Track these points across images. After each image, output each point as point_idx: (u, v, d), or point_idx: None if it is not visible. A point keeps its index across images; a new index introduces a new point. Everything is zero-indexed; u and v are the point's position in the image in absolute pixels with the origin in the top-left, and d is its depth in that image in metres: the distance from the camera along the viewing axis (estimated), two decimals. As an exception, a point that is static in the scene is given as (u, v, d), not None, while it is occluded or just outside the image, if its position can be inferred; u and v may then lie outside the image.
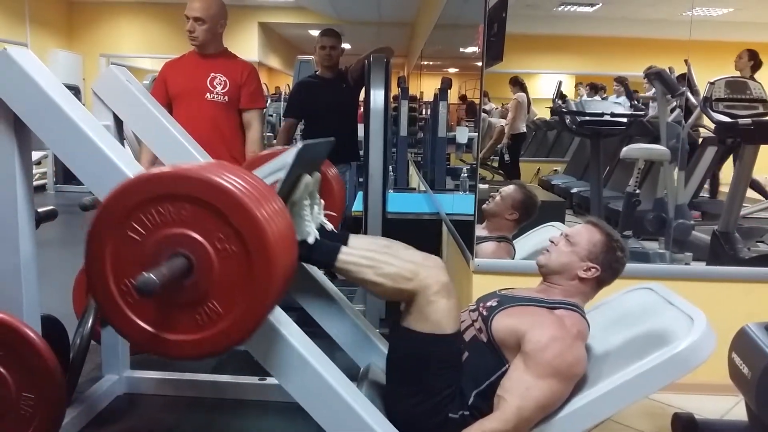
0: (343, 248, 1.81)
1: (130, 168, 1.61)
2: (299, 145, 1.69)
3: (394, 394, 1.75)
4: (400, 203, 4.27)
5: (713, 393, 2.41)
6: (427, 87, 8.73)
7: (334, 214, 2.05)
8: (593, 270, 1.76)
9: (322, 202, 1.96)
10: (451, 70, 6.34)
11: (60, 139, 1.65)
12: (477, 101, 4.06)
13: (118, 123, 2.18)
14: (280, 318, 1.64)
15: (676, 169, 3.35)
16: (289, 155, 1.68)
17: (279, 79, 13.07)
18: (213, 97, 2.96)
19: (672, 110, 3.64)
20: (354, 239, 1.93)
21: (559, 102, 3.92)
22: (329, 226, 1.94)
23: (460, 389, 1.70)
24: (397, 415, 1.70)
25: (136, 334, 1.36)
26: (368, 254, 1.79)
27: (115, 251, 1.33)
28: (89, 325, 2.08)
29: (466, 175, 4.65)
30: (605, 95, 4.74)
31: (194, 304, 1.33)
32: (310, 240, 1.80)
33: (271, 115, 8.90)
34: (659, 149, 3.31)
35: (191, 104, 2.95)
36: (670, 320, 1.72)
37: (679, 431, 2.17)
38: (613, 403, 1.60)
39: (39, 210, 2.00)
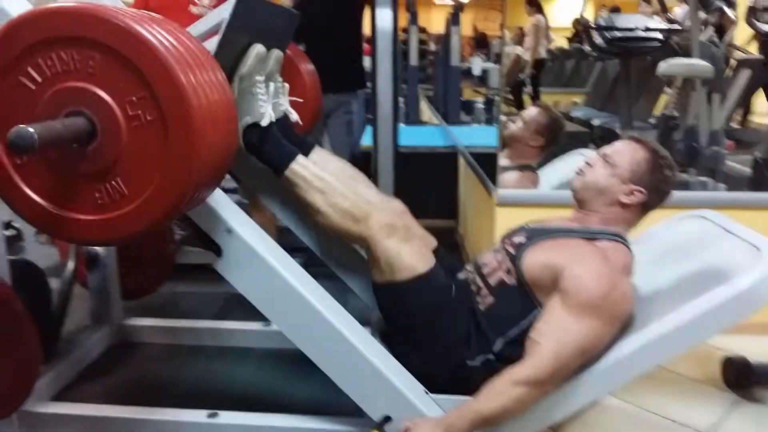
0: (300, 157, 1.57)
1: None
2: None
3: (400, 353, 1.54)
4: (412, 137, 4.01)
5: (764, 333, 2.17)
6: (436, 20, 8.42)
7: (300, 99, 1.79)
8: (637, 194, 1.50)
9: (286, 85, 1.69)
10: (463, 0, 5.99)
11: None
12: (488, 33, 3.82)
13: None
14: (281, 258, 1.44)
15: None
16: (225, 9, 1.41)
17: None
18: (198, 11, 2.71)
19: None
20: (318, 153, 1.69)
21: (586, 19, 3.60)
22: (294, 116, 1.68)
23: (485, 337, 1.49)
24: (410, 370, 1.50)
25: (25, 205, 1.13)
26: (326, 176, 1.57)
27: (3, 100, 1.10)
28: (71, 268, 1.88)
29: (482, 107, 4.40)
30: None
31: (95, 179, 1.10)
32: (264, 122, 1.55)
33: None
34: (702, 64, 2.99)
35: (174, 19, 2.69)
36: (730, 251, 1.48)
37: (732, 376, 1.97)
38: (667, 350, 1.39)
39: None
